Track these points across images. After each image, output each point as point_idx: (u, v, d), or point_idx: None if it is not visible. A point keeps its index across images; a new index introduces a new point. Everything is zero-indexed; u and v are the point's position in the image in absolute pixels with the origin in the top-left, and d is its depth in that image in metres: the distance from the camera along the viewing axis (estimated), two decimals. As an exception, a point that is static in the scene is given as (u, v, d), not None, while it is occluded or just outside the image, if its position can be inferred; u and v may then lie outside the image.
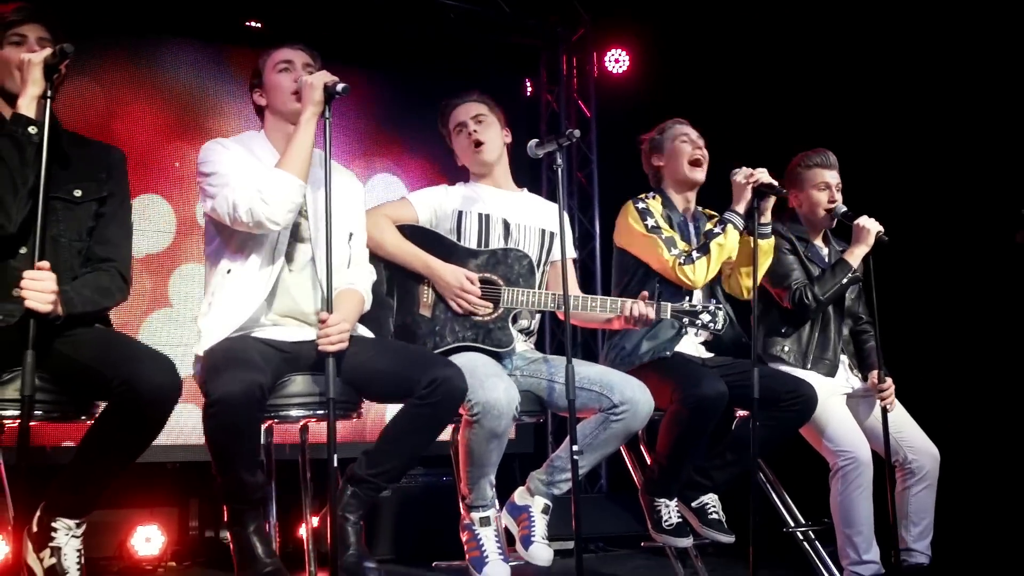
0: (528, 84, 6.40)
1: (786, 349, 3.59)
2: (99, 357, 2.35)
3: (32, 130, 2.35)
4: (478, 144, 3.22)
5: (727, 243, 3.30)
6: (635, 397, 2.90)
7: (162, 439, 2.41)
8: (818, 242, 3.76)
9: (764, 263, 3.41)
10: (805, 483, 3.62)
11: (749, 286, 3.42)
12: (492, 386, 2.71)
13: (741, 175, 3.32)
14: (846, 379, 3.62)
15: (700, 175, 3.48)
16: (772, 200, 3.34)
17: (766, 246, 3.36)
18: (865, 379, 3.61)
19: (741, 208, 3.32)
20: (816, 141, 3.82)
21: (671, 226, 3.43)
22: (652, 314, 3.01)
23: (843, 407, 3.50)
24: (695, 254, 3.29)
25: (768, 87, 5.11)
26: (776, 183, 3.30)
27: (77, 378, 2.41)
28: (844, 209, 3.63)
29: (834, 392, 3.51)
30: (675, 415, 3.09)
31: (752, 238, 3.28)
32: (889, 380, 3.47)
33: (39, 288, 2.26)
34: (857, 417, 3.51)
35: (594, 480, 5.85)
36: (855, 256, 3.56)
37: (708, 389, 3.03)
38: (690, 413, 3.05)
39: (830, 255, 3.73)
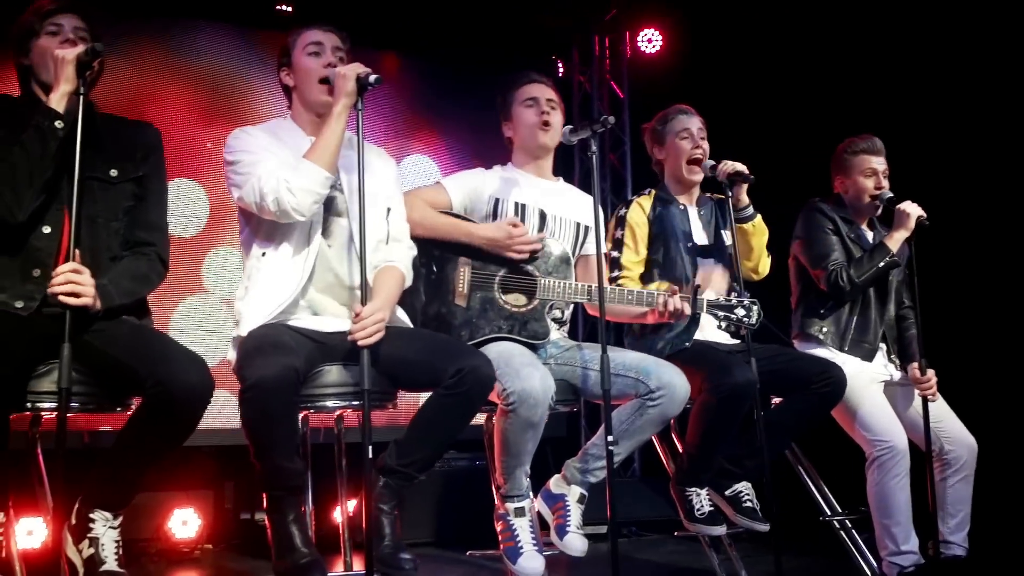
0: (560, 65, 6.35)
1: (824, 330, 3.54)
2: (132, 353, 2.36)
3: (59, 124, 2.35)
4: (546, 124, 3.19)
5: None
6: (672, 381, 2.87)
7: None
8: (863, 226, 3.70)
9: (761, 239, 3.39)
10: (842, 471, 3.58)
11: (753, 267, 3.43)
12: (528, 375, 2.69)
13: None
14: (884, 365, 3.57)
15: (698, 176, 3.46)
16: (745, 187, 3.29)
17: (751, 227, 3.34)
18: (904, 370, 3.55)
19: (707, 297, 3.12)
20: (854, 123, 3.76)
21: (663, 221, 3.39)
22: (687, 309, 2.98)
23: (880, 394, 3.45)
24: (624, 279, 3.32)
25: (805, 66, 5.01)
26: (744, 170, 3.23)
27: (111, 372, 2.42)
28: (890, 195, 3.57)
29: (873, 379, 3.47)
30: (705, 404, 3.07)
31: (748, 225, 3.31)
32: (931, 372, 3.41)
33: (85, 282, 2.28)
34: (896, 406, 3.46)
35: (627, 465, 5.82)
36: (895, 240, 3.50)
37: (739, 377, 3.00)
38: (720, 402, 3.03)
39: (874, 240, 3.66)
